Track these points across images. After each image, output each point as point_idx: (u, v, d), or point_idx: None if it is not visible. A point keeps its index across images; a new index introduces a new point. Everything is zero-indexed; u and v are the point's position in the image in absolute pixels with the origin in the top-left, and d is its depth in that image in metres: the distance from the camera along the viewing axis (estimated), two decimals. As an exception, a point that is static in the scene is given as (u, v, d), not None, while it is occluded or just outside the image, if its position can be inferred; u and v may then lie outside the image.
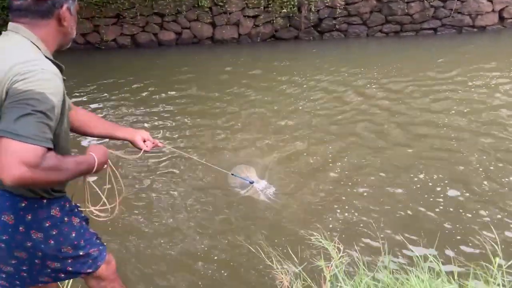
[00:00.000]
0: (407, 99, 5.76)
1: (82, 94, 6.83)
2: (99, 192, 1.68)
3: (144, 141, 1.95)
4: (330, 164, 4.17)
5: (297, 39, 10.08)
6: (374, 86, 6.41)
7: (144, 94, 6.63)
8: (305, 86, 6.67)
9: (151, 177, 4.00)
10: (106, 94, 6.76)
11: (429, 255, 1.89)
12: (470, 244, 2.85)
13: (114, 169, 1.72)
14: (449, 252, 2.69)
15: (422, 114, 5.17)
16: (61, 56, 1.54)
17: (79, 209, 1.71)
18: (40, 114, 1.16)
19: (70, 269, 1.62)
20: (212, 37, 10.19)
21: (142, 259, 2.92)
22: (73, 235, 1.60)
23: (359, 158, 4.25)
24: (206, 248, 3.04)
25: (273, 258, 2.16)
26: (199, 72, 7.72)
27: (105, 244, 1.79)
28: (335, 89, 6.39)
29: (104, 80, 7.47)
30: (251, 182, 3.80)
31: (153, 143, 2.01)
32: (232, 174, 3.53)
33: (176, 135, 5.05)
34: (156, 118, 5.62)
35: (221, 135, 5.01)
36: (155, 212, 3.51)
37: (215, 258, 2.94)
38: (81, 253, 1.63)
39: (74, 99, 6.50)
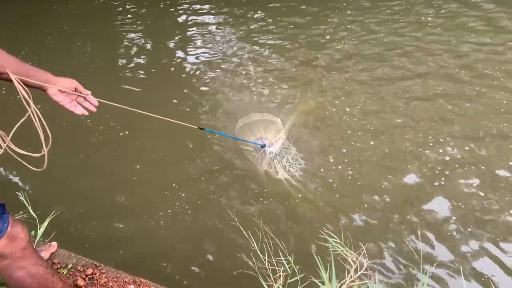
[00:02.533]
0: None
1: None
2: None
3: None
4: (405, 153, 3.21)
5: None
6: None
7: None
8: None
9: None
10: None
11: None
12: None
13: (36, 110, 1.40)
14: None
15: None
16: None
17: None
18: None
19: None
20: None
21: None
22: None
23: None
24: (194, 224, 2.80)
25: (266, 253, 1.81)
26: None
27: (7, 214, 1.44)
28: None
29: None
30: (263, 146, 3.00)
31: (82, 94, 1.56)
32: (200, 128, 2.54)
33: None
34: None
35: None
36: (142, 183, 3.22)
37: (204, 238, 2.69)
38: None
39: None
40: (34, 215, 2.29)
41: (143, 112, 1.95)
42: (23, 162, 1.42)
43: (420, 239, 2.50)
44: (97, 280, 2.16)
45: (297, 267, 1.84)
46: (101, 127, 3.76)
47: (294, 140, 3.37)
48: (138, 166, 3.34)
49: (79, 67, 5.01)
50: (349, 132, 3.48)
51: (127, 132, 3.72)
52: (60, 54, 5.41)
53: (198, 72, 4.65)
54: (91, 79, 4.65)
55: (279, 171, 2.96)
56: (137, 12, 6.50)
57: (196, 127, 2.49)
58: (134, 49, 5.36)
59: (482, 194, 2.83)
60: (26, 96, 1.39)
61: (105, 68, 4.97)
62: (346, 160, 3.19)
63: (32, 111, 1.40)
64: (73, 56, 5.28)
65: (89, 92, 1.61)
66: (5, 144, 1.38)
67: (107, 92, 4.30)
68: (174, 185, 3.12)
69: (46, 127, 1.43)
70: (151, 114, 1.99)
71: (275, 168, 2.98)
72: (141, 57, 5.15)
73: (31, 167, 1.46)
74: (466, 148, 3.22)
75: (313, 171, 3.08)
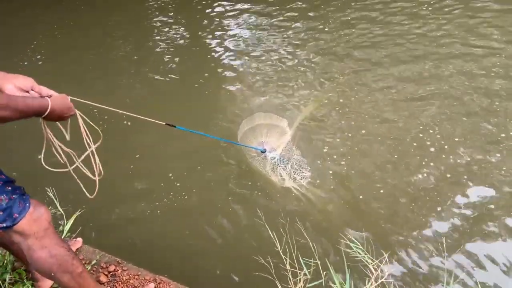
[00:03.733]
0: None
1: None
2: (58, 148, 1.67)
3: (28, 92, 1.50)
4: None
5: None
6: None
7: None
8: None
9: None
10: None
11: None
12: None
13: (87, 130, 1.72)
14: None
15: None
16: None
17: None
18: None
19: None
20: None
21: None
22: None
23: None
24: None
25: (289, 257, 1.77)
26: None
27: (27, 195, 1.53)
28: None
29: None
30: (263, 151, 2.89)
31: (40, 94, 1.53)
32: (169, 125, 2.31)
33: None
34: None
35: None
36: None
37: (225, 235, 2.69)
38: None
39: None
40: (62, 211, 2.36)
41: (108, 108, 1.96)
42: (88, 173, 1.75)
43: (444, 250, 2.39)
44: (119, 277, 2.20)
45: (310, 271, 1.80)
46: (106, 117, 3.86)
47: (303, 142, 3.30)
48: (137, 156, 3.44)
49: (89, 62, 5.19)
50: (363, 132, 3.42)
51: (129, 123, 3.81)
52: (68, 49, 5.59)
53: (224, 71, 4.68)
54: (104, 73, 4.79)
55: (285, 179, 2.87)
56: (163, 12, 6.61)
57: (164, 123, 2.32)
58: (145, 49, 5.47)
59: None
60: (89, 141, 1.75)
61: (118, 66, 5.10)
62: (361, 162, 3.12)
63: (92, 151, 1.75)
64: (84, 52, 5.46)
65: (50, 92, 1.59)
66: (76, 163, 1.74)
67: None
68: (170, 175, 3.19)
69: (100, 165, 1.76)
70: (120, 111, 2.00)
71: (281, 175, 2.88)
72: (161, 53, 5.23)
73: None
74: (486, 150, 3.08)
75: (324, 175, 3.02)
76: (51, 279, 1.65)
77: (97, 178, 1.74)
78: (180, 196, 3.03)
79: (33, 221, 1.51)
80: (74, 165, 1.73)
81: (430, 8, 5.29)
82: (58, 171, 1.71)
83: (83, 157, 1.74)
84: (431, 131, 3.33)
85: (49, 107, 1.44)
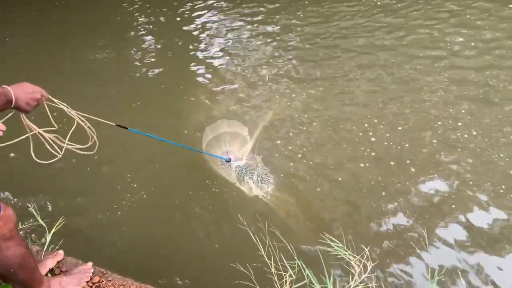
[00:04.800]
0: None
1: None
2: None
3: None
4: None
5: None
6: None
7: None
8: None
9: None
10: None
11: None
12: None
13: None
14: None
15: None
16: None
17: None
18: None
19: None
20: None
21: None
22: None
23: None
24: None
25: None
26: None
27: None
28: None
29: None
30: (228, 160, 2.93)
31: None
32: (119, 126, 2.27)
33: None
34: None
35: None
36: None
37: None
38: None
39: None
40: (44, 224, 2.33)
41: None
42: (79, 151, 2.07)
43: (426, 241, 2.53)
44: (104, 287, 2.19)
45: (296, 271, 1.88)
46: (65, 119, 3.80)
47: (262, 145, 3.37)
48: (95, 158, 3.36)
49: (56, 64, 5.16)
50: (332, 133, 3.57)
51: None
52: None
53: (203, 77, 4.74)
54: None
55: (252, 188, 2.91)
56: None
57: (115, 124, 2.27)
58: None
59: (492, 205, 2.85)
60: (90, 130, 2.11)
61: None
62: (321, 158, 3.28)
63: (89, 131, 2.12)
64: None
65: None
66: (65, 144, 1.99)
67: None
68: (128, 175, 3.24)
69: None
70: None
71: (248, 184, 2.93)
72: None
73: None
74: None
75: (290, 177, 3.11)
76: (6, 275, 1.75)
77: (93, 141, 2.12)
78: (139, 196, 3.09)
79: (3, 224, 1.61)
80: (63, 150, 1.95)
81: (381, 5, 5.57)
82: (51, 161, 1.86)
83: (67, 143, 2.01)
84: (378, 126, 3.55)
85: (12, 93, 1.52)
